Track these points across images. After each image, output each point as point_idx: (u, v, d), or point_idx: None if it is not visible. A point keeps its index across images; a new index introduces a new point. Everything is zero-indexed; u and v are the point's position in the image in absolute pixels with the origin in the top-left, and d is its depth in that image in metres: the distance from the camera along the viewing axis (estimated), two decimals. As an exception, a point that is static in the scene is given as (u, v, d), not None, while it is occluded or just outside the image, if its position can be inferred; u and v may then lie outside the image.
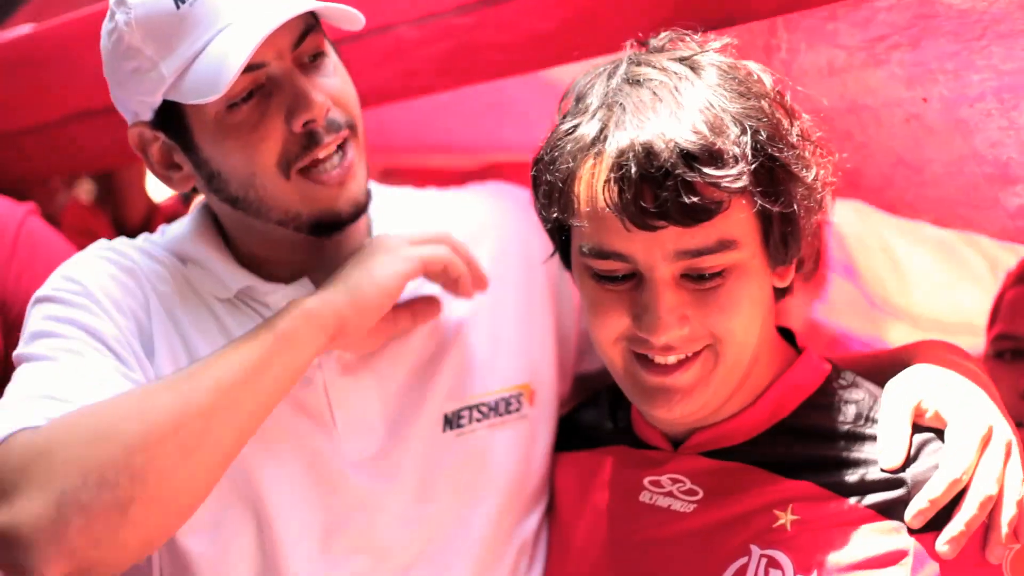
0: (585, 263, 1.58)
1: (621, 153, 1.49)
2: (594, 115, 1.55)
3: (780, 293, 1.67)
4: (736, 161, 1.48)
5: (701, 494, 1.66)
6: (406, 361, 1.81)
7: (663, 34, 1.63)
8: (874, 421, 1.61)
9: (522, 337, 1.87)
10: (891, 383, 1.65)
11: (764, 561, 1.57)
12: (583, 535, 1.77)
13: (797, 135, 1.56)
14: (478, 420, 1.81)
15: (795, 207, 1.54)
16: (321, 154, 1.69)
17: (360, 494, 1.75)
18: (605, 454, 1.79)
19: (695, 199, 1.46)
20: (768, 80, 1.59)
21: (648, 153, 1.47)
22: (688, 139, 1.47)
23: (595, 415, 1.86)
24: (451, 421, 1.80)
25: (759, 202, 1.51)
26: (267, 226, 1.73)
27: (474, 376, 1.83)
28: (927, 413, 1.59)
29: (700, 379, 1.58)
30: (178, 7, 1.63)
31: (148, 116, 1.72)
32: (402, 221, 1.87)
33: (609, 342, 1.59)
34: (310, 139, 1.68)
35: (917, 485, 1.52)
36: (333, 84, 1.71)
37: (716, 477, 1.65)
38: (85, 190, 3.57)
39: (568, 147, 1.55)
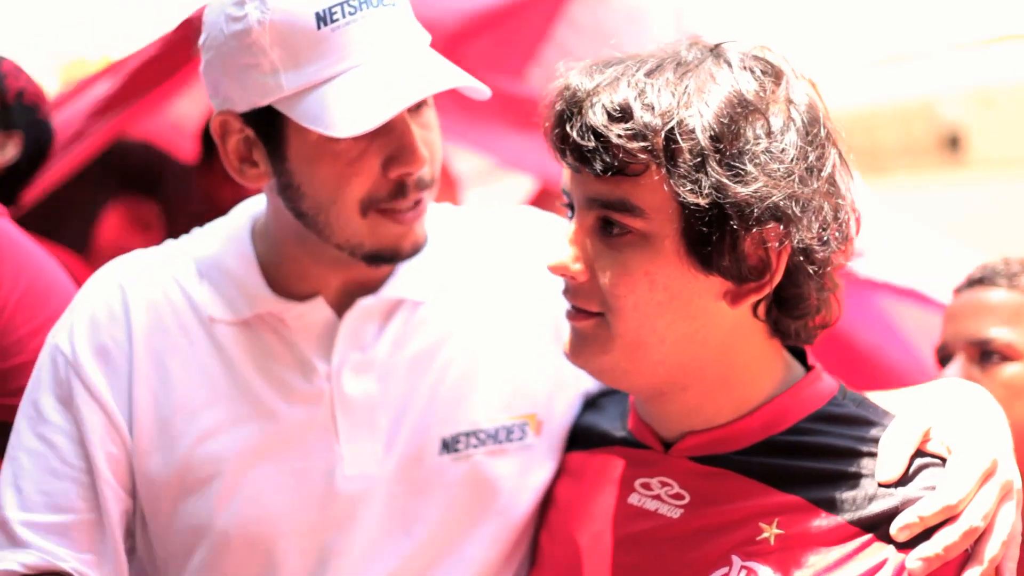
0: None
1: (558, 91, 1.59)
2: (575, 70, 1.62)
3: (781, 333, 1.64)
4: (647, 128, 1.51)
5: (688, 498, 1.64)
6: (413, 381, 1.80)
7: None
8: (875, 440, 1.59)
9: (536, 367, 1.85)
10: (907, 406, 1.65)
11: (744, 573, 1.56)
12: (572, 537, 1.76)
13: (770, 147, 1.52)
14: (474, 446, 1.80)
15: (714, 205, 1.50)
16: (402, 205, 1.70)
17: (355, 511, 1.75)
18: (601, 455, 1.78)
19: (592, 144, 1.52)
20: (782, 96, 1.56)
21: (573, 95, 1.57)
22: (611, 96, 1.54)
23: (594, 417, 1.85)
24: (448, 445, 1.79)
25: (671, 182, 1.51)
26: (320, 243, 1.74)
27: (476, 403, 1.81)
28: (935, 440, 1.57)
29: (594, 337, 1.61)
30: (319, 27, 1.62)
31: (243, 109, 1.69)
32: (441, 238, 1.88)
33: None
34: (399, 189, 1.70)
35: (907, 504, 1.51)
36: (431, 139, 1.73)
37: (704, 482, 1.64)
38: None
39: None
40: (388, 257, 1.74)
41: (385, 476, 1.77)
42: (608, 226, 1.57)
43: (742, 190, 1.50)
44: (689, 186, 1.51)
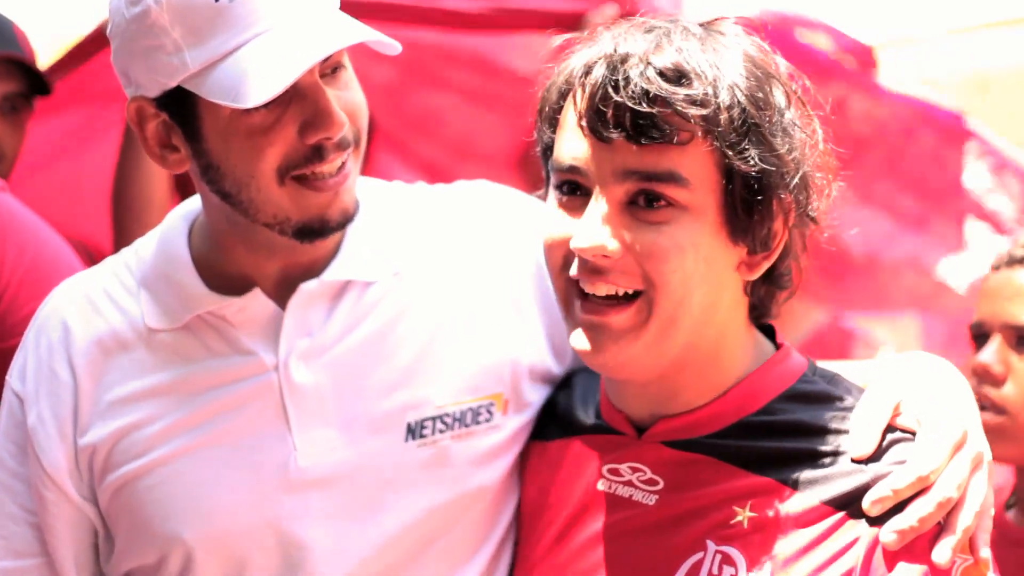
0: (552, 178, 1.59)
1: (597, 58, 1.52)
2: (601, 38, 1.57)
3: (762, 308, 1.65)
4: (705, 93, 1.49)
5: (662, 484, 1.63)
6: (368, 364, 1.77)
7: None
8: (846, 417, 1.58)
9: (498, 344, 1.81)
10: (875, 380, 1.64)
11: (719, 557, 1.56)
12: (545, 525, 1.75)
13: (791, 118, 1.55)
14: (441, 431, 1.77)
15: (762, 172, 1.51)
16: (323, 168, 1.66)
17: (314, 501, 1.73)
18: (575, 442, 1.76)
19: (649, 110, 1.47)
20: (784, 69, 1.58)
21: (621, 60, 1.50)
22: (662, 59, 1.50)
23: (568, 400, 1.82)
24: (414, 431, 1.76)
25: (722, 150, 1.50)
26: (251, 225, 1.70)
27: (438, 384, 1.77)
28: (905, 414, 1.57)
29: (632, 326, 1.55)
30: (216, 0, 1.59)
31: (154, 93, 1.66)
32: (389, 216, 1.84)
33: (556, 269, 1.61)
34: (316, 153, 1.65)
35: (878, 479, 1.51)
36: (349, 98, 1.68)
37: (678, 468, 1.63)
38: None
39: (566, 62, 1.59)
40: (318, 229, 1.69)
41: (347, 465, 1.74)
42: (645, 199, 1.52)
43: (787, 156, 1.51)
44: (742, 154, 1.50)
